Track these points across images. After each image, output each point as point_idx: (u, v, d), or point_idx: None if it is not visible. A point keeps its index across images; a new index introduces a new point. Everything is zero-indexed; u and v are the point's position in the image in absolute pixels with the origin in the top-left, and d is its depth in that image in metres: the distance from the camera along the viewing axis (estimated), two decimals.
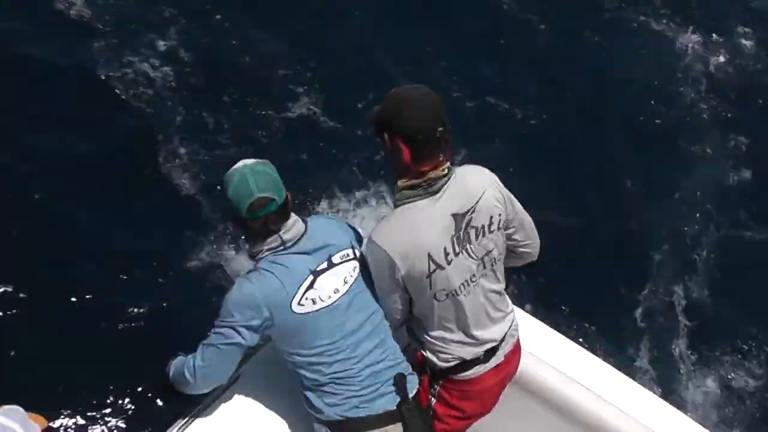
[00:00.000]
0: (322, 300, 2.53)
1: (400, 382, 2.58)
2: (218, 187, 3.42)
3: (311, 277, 2.53)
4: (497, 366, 2.69)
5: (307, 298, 2.51)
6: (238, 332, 2.51)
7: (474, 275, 2.50)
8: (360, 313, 2.59)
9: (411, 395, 2.59)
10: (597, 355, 3.22)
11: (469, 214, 2.44)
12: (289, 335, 2.56)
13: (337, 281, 2.56)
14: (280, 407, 2.75)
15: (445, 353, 2.60)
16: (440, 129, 2.36)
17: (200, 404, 2.69)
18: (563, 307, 4.65)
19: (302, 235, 2.56)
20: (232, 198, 2.52)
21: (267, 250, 2.54)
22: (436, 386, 2.68)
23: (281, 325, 2.53)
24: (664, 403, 3.09)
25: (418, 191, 2.41)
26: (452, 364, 2.62)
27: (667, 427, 2.97)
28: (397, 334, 2.70)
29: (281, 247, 2.53)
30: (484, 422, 2.88)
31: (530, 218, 2.68)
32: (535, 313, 3.27)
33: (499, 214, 2.51)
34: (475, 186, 2.47)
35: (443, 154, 2.41)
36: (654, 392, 3.32)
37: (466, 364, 2.63)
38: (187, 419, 2.67)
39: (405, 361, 2.66)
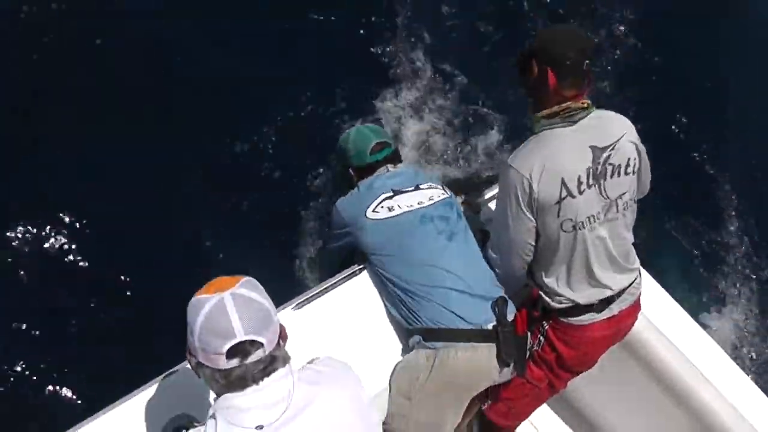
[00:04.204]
0: (399, 207, 2.63)
1: (500, 304, 2.55)
2: None
3: (391, 192, 2.68)
4: (609, 319, 2.64)
5: (382, 206, 2.64)
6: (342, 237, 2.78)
7: (601, 213, 2.49)
8: (449, 228, 2.64)
9: (509, 319, 2.56)
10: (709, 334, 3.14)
11: (608, 150, 2.47)
12: (373, 244, 2.64)
13: (421, 197, 2.69)
14: (373, 315, 2.68)
15: (559, 295, 2.58)
16: (587, 62, 2.48)
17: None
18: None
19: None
20: (352, 148, 2.82)
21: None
22: (546, 324, 2.66)
23: (361, 234, 2.65)
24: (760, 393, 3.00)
25: (556, 120, 2.47)
26: (565, 306, 2.59)
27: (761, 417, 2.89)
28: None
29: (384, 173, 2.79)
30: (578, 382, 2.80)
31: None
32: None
33: (636, 159, 2.54)
34: (616, 126, 2.54)
35: (585, 89, 2.49)
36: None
37: (578, 309, 2.59)
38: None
39: (502, 289, 2.64)
